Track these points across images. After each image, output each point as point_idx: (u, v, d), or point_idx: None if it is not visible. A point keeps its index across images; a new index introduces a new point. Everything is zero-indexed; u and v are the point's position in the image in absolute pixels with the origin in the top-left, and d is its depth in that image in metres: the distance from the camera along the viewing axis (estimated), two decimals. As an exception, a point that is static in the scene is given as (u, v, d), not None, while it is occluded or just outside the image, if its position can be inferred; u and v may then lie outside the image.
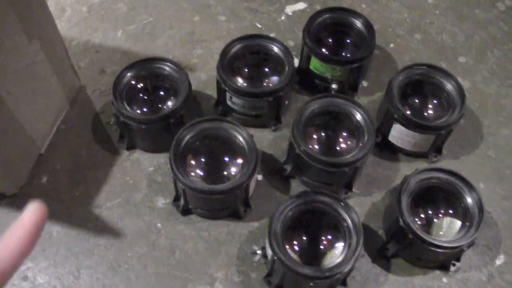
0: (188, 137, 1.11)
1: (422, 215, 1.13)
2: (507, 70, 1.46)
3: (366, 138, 1.14)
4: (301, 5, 1.59)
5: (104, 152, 1.26)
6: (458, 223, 1.10)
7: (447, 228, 1.11)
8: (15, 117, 1.09)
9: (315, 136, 1.21)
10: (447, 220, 1.12)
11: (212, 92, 1.34)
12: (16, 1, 1.02)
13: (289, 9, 1.57)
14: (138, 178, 1.22)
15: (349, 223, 1.03)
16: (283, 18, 1.55)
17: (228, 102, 1.25)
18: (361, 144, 1.14)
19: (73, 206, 1.18)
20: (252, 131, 1.23)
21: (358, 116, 1.16)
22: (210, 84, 1.36)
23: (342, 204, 1.04)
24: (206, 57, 1.45)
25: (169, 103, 1.25)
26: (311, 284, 1.00)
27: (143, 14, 1.54)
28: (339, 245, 1.05)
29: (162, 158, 1.25)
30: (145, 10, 1.55)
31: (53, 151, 1.26)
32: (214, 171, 1.15)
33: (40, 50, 1.13)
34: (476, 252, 1.15)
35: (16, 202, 1.18)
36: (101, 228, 1.15)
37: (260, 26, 1.53)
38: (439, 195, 1.13)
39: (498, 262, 1.14)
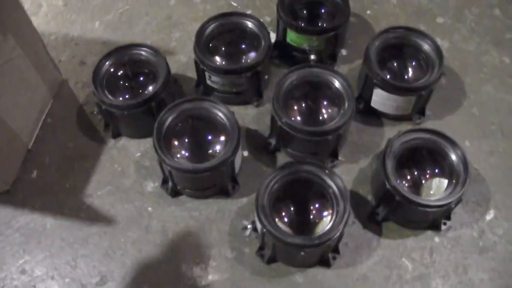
0: (170, 119, 1.12)
1: (409, 177, 1.14)
2: (486, 27, 1.46)
3: (346, 104, 1.14)
4: (276, -20, 1.58)
5: (90, 142, 1.27)
6: (446, 182, 1.11)
7: (436, 188, 1.12)
8: (-2, 114, 1.10)
9: (296, 108, 1.21)
10: (435, 180, 1.13)
11: (193, 73, 1.34)
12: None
13: (264, -15, 1.57)
14: (126, 165, 1.23)
15: (334, 189, 1.03)
16: (258, -6, 1.55)
17: (208, 82, 1.25)
18: (342, 111, 1.15)
19: (64, 198, 1.19)
20: (235, 108, 1.24)
21: (337, 84, 1.17)
22: (191, 66, 1.36)
23: (326, 171, 1.05)
24: (185, 39, 1.45)
25: (150, 88, 1.25)
26: (302, 253, 1.01)
27: (119, 3, 1.54)
28: (328, 213, 1.06)
29: (148, 143, 1.26)
30: (121, -2, 1.55)
31: (41, 146, 1.27)
32: (198, 150, 1.16)
33: (16, 45, 1.13)
34: (466, 209, 1.16)
35: (9, 198, 1.19)
36: (94, 216, 1.17)
37: (235, 4, 1.53)
38: (423, 155, 1.14)
39: (488, 217, 1.15)
